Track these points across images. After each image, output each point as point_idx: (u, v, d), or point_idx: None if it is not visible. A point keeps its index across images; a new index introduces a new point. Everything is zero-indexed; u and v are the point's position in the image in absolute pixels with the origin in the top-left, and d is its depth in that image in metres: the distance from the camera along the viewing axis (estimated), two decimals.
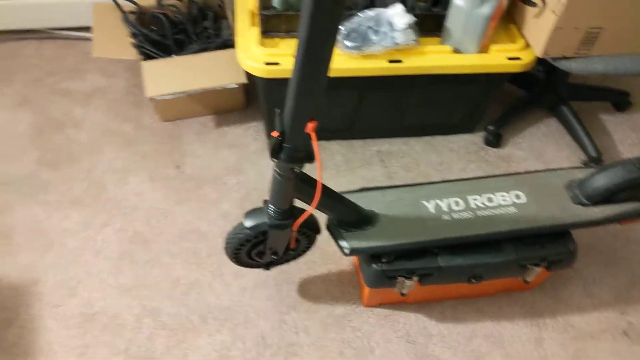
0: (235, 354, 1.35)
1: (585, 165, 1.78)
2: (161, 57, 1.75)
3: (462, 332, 1.41)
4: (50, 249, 1.51)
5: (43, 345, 1.34)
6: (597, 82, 2.01)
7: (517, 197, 1.24)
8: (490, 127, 1.83)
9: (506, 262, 1.23)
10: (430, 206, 1.22)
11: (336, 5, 0.72)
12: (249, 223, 1.16)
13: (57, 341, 1.35)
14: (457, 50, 1.57)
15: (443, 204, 1.22)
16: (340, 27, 1.46)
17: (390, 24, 1.48)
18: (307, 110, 0.87)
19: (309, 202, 1.06)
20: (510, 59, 1.55)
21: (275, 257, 1.29)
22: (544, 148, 1.86)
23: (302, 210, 1.12)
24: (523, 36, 1.59)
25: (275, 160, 0.95)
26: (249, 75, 1.55)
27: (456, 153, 1.82)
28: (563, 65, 1.56)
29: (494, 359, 1.37)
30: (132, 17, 1.80)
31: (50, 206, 1.60)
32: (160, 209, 1.61)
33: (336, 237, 1.19)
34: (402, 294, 1.30)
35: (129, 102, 1.90)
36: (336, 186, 1.14)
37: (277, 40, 1.58)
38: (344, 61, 1.49)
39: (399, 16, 1.47)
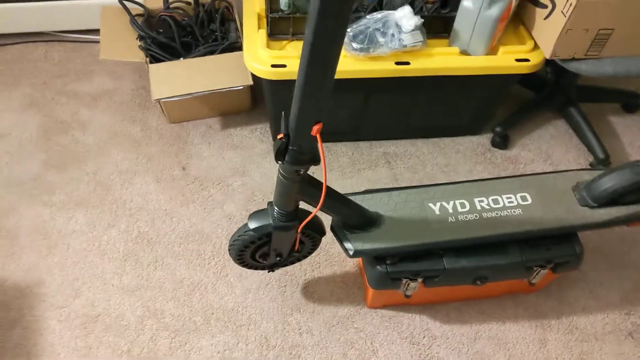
0: (238, 355, 1.34)
1: (593, 167, 1.77)
2: (168, 59, 1.76)
3: (466, 334, 1.40)
4: (54, 249, 1.52)
5: (46, 347, 1.34)
6: (607, 83, 1.99)
7: (524, 199, 1.23)
8: (498, 129, 1.82)
9: (512, 264, 1.21)
10: (436, 208, 1.21)
11: (343, 8, 0.71)
12: (253, 225, 1.16)
13: (60, 342, 1.35)
14: (465, 52, 1.56)
15: (449, 206, 1.21)
16: (347, 29, 1.46)
17: (398, 26, 1.47)
18: (313, 112, 0.86)
19: (313, 204, 1.06)
20: (518, 60, 1.54)
21: (279, 259, 1.28)
22: (551, 150, 1.84)
23: (307, 212, 1.11)
24: (532, 37, 1.58)
25: (280, 162, 0.95)
26: (256, 78, 1.55)
27: (463, 155, 1.81)
28: (572, 66, 1.54)
29: None
30: (139, 20, 1.81)
31: (55, 207, 1.61)
32: (165, 210, 1.61)
33: (340, 238, 1.19)
34: (407, 296, 1.30)
35: (136, 104, 1.90)
36: (342, 188, 1.14)
37: (284, 42, 1.58)
38: (351, 63, 1.49)
39: (406, 18, 1.46)
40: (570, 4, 1.38)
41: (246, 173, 1.72)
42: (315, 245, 1.30)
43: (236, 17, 1.87)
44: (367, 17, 1.48)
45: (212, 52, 1.78)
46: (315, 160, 0.95)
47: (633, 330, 1.44)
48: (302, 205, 1.10)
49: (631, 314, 1.46)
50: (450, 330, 1.41)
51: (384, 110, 1.71)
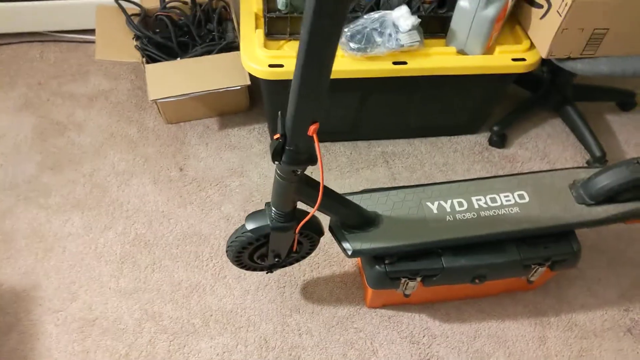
0: (237, 357, 1.34)
1: (589, 165, 1.77)
2: (165, 59, 1.75)
3: (466, 332, 1.40)
4: (50, 253, 1.51)
5: (43, 351, 1.33)
6: (603, 82, 2.00)
7: (521, 197, 1.23)
8: (495, 128, 1.82)
9: (510, 262, 1.22)
10: (434, 207, 1.21)
11: (339, 7, 0.71)
12: (250, 226, 1.16)
13: (57, 346, 1.34)
14: (461, 52, 1.56)
15: (446, 205, 1.21)
16: (344, 29, 1.46)
17: (395, 26, 1.47)
18: (309, 112, 0.86)
19: (311, 205, 1.06)
20: (515, 60, 1.54)
21: (277, 260, 1.28)
22: (548, 148, 1.85)
23: (305, 213, 1.11)
24: (528, 37, 1.58)
25: (277, 163, 0.94)
26: (253, 78, 1.55)
27: (461, 154, 1.81)
28: (568, 66, 1.54)
29: (498, 359, 1.36)
30: (135, 20, 1.80)
31: (51, 210, 1.60)
32: (163, 211, 1.61)
33: (339, 238, 1.18)
34: (406, 295, 1.30)
35: (132, 104, 1.90)
36: (340, 187, 1.13)
37: (281, 42, 1.58)
38: (349, 63, 1.48)
39: (403, 18, 1.46)
40: (566, 4, 1.38)
41: (244, 173, 1.71)
42: (313, 245, 1.30)
43: (233, 16, 1.87)
44: (365, 17, 1.48)
45: (209, 52, 1.77)
46: (312, 160, 0.94)
47: (632, 326, 1.44)
48: (301, 205, 1.10)
49: (630, 310, 1.47)
50: (450, 329, 1.41)
51: (381, 110, 1.71)
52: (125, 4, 1.81)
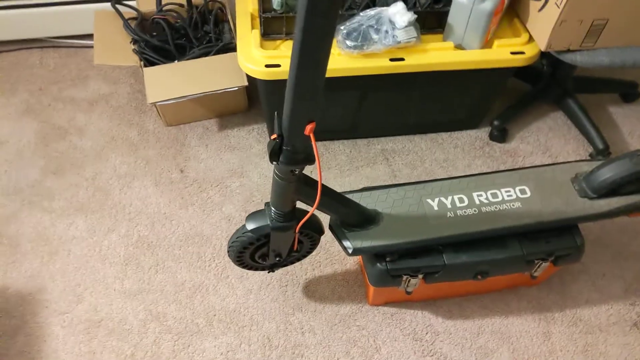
0: (241, 356, 1.34)
1: (592, 158, 1.76)
2: (163, 62, 1.75)
3: (469, 329, 1.40)
4: (55, 256, 1.52)
5: (50, 353, 1.34)
6: (604, 74, 1.99)
7: (522, 192, 1.22)
8: (496, 122, 1.81)
9: (512, 257, 1.21)
10: (434, 204, 1.21)
11: (331, 6, 0.71)
12: (251, 226, 1.16)
13: (64, 348, 1.35)
14: (459, 47, 1.56)
15: (447, 201, 1.21)
16: (339, 27, 1.46)
17: (392, 23, 1.46)
18: (305, 111, 0.86)
19: (310, 204, 1.06)
20: (513, 53, 1.53)
21: (278, 259, 1.28)
22: (550, 142, 1.84)
23: (304, 212, 1.11)
24: (527, 30, 1.57)
25: (275, 163, 0.94)
26: (251, 78, 1.55)
27: (461, 149, 1.81)
28: (568, 58, 1.53)
29: (502, 355, 1.36)
30: (133, 24, 1.80)
31: (55, 213, 1.61)
32: (165, 213, 1.61)
33: (339, 237, 1.18)
34: (408, 292, 1.29)
35: (132, 108, 1.90)
36: (340, 186, 1.13)
37: (277, 42, 1.58)
38: (346, 61, 1.48)
39: (400, 14, 1.46)
40: None
41: (244, 174, 1.72)
42: (314, 244, 1.30)
43: (229, 17, 1.87)
44: (360, 14, 1.47)
45: (206, 54, 1.77)
46: (310, 160, 0.94)
47: (638, 320, 1.43)
48: (300, 205, 1.10)
49: (635, 304, 1.46)
50: (453, 326, 1.41)
51: (380, 108, 1.70)
52: (122, 8, 1.81)
